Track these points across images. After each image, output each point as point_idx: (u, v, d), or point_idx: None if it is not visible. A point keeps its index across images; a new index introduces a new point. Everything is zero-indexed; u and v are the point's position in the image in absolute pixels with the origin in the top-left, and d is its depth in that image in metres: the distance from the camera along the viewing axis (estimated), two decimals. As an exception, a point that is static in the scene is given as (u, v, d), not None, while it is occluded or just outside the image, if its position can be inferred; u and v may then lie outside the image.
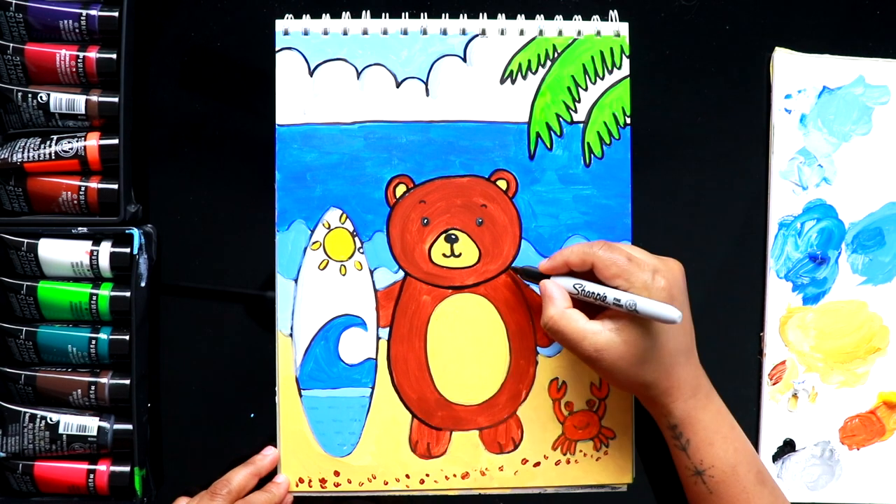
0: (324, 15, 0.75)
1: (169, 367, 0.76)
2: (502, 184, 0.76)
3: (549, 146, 0.76)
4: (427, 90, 0.75)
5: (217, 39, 0.76)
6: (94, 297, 0.73)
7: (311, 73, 0.75)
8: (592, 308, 0.68)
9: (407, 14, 0.75)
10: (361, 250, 0.75)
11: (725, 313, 0.78)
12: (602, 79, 0.76)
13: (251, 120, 0.76)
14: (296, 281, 0.75)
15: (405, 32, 0.75)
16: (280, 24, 0.75)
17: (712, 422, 0.69)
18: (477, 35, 0.76)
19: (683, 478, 0.71)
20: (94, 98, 0.73)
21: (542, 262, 0.72)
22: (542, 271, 0.71)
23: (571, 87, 0.76)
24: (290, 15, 0.75)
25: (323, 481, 0.75)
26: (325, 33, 0.75)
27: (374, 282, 0.76)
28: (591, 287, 0.67)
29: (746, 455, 0.69)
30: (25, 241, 0.73)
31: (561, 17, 0.76)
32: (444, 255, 0.76)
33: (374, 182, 0.75)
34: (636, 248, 0.69)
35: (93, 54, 0.73)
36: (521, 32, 0.76)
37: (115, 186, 0.73)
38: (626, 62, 0.76)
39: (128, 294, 0.73)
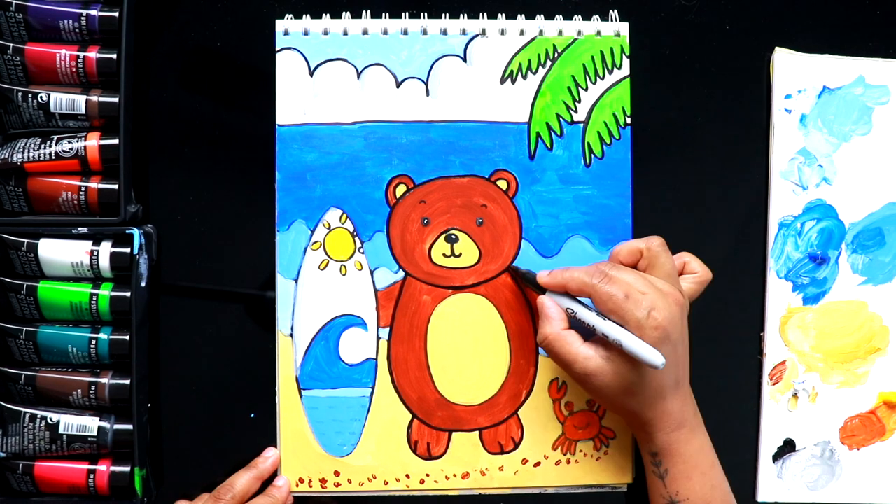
0: (324, 15, 0.75)
1: (169, 367, 0.76)
2: (502, 184, 0.76)
3: (549, 146, 0.76)
4: (427, 90, 0.75)
5: (217, 39, 0.76)
6: (95, 298, 0.73)
7: (312, 73, 0.75)
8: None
9: (407, 14, 0.75)
10: (362, 250, 0.75)
11: (725, 313, 0.78)
12: (602, 79, 0.76)
13: (251, 120, 0.76)
14: (296, 281, 0.75)
15: (405, 32, 0.75)
16: (280, 24, 0.75)
17: (693, 456, 0.69)
18: (477, 35, 0.76)
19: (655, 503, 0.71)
20: (95, 98, 0.73)
21: (541, 273, 0.71)
22: (542, 285, 0.71)
23: (571, 86, 0.76)
24: (291, 15, 0.75)
25: (323, 481, 0.75)
26: (326, 33, 0.75)
27: (374, 282, 0.76)
28: (582, 315, 0.68)
29: (723, 494, 0.70)
30: (25, 241, 0.73)
31: (561, 17, 0.76)
32: (445, 255, 0.76)
33: (375, 182, 0.75)
34: (640, 278, 0.68)
35: (93, 54, 0.73)
36: (522, 32, 0.76)
37: (116, 186, 0.73)
38: (626, 62, 0.76)
39: (128, 294, 0.73)
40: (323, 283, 0.75)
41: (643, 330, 0.65)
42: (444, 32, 0.75)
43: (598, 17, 0.76)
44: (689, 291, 0.71)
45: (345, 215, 0.75)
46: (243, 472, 0.74)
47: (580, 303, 0.69)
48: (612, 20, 0.76)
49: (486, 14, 0.76)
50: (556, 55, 0.76)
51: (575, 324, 0.69)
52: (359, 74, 0.75)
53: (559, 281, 0.70)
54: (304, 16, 0.75)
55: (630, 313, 0.66)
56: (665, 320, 0.66)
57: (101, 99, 0.73)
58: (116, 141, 0.73)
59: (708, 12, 0.78)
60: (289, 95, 0.75)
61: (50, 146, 0.73)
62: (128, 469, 0.74)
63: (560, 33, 0.76)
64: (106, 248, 0.73)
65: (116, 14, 0.73)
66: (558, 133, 0.76)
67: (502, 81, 0.76)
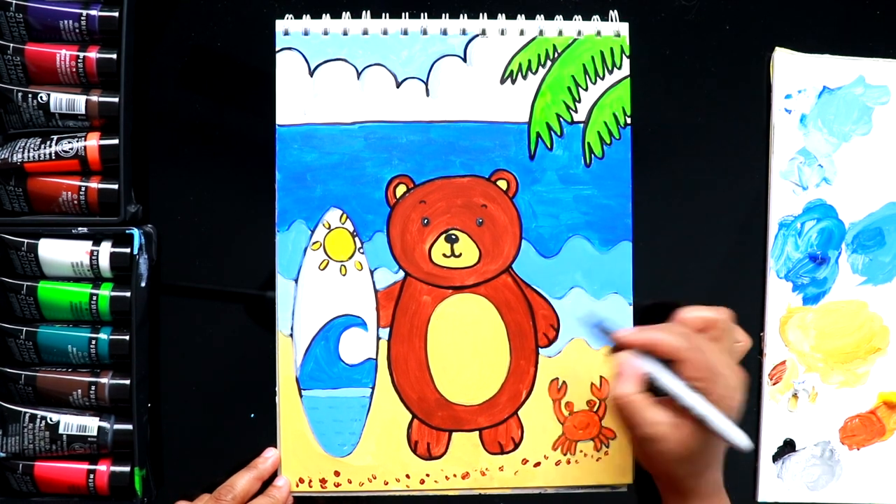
0: (324, 15, 0.75)
1: (169, 367, 0.76)
2: (502, 184, 0.76)
3: (549, 146, 0.76)
4: (427, 90, 0.75)
5: (217, 39, 0.76)
6: (95, 298, 0.73)
7: (312, 74, 0.75)
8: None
9: (407, 14, 0.75)
10: (361, 250, 0.75)
11: (725, 313, 0.78)
12: (602, 79, 0.76)
13: (251, 120, 0.76)
14: (296, 281, 0.75)
15: (405, 32, 0.75)
16: (280, 25, 0.75)
17: None
18: (477, 35, 0.76)
19: None
20: (95, 98, 0.73)
21: (621, 332, 0.68)
22: (622, 344, 0.68)
23: (572, 87, 0.76)
24: (291, 15, 0.75)
25: (323, 481, 0.75)
26: (326, 33, 0.75)
27: (374, 282, 0.76)
28: (666, 383, 0.65)
29: None
30: (25, 241, 0.73)
31: (561, 17, 0.76)
32: (445, 255, 0.76)
33: (375, 182, 0.75)
34: (723, 354, 0.66)
35: (93, 54, 0.73)
36: (522, 32, 0.76)
37: (116, 186, 0.73)
38: (626, 62, 0.76)
39: (128, 294, 0.73)
40: (323, 284, 0.75)
41: (721, 406, 0.64)
42: (444, 32, 0.75)
43: (598, 17, 0.76)
44: None
45: (345, 215, 0.75)
46: (243, 473, 0.74)
47: (662, 368, 0.66)
48: (612, 20, 0.76)
49: (486, 14, 0.76)
50: (556, 55, 0.76)
51: (649, 386, 0.67)
52: (359, 74, 0.75)
53: (643, 341, 0.66)
54: (304, 16, 0.75)
55: (713, 391, 0.64)
56: (740, 404, 0.65)
57: (101, 99, 0.73)
58: (116, 141, 0.73)
59: (708, 12, 0.78)
60: (289, 95, 0.75)
61: (50, 146, 0.73)
62: (128, 469, 0.74)
63: (560, 33, 0.76)
64: (106, 248, 0.73)
65: (116, 14, 0.73)
66: (558, 133, 0.76)
67: (502, 81, 0.76)
